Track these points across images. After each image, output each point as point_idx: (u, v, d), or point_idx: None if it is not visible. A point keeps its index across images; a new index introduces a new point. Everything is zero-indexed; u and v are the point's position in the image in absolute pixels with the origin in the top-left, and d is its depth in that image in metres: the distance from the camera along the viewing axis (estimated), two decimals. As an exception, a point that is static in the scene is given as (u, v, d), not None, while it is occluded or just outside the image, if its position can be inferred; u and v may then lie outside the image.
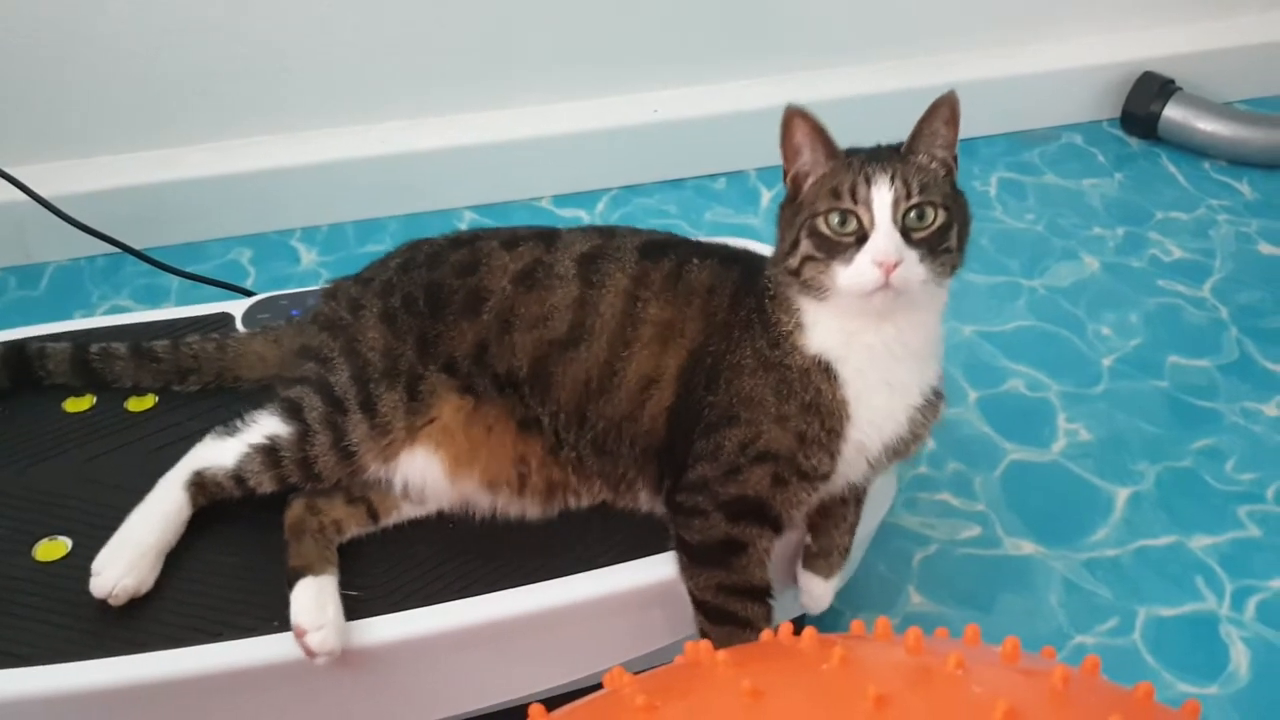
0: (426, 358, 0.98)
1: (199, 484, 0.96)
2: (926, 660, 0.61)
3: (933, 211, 0.87)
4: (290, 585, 0.90)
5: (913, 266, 0.86)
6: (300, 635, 0.88)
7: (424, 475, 0.97)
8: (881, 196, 0.86)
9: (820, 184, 0.89)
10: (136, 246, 1.47)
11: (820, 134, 0.90)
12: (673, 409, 0.95)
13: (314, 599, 0.90)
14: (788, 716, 0.57)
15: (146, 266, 1.48)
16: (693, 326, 0.96)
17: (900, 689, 0.57)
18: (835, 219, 0.87)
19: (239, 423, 0.98)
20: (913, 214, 0.87)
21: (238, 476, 0.96)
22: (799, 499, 0.93)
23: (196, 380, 1.09)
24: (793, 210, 0.91)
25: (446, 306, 0.99)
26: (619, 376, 0.96)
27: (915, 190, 0.86)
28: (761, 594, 0.93)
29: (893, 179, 0.86)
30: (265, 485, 0.97)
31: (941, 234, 0.88)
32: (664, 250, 1.00)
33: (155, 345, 1.09)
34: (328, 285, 1.08)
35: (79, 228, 1.42)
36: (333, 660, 0.88)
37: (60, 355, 1.09)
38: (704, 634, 0.93)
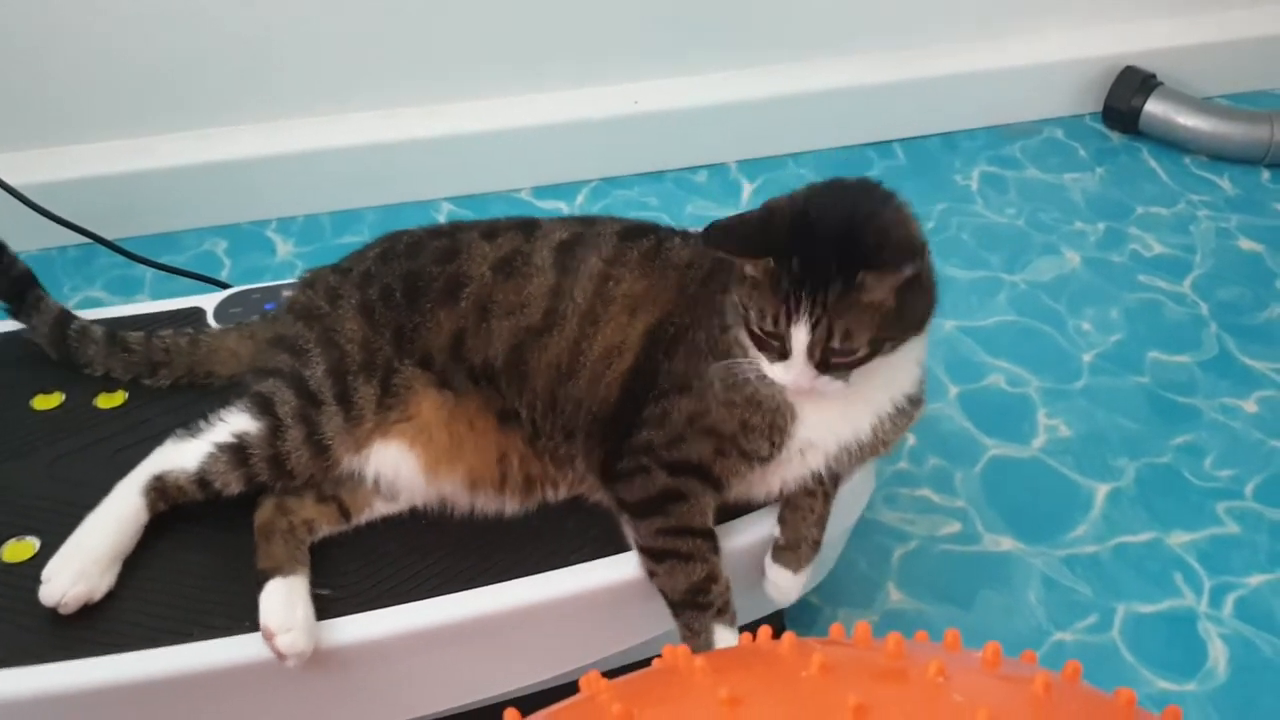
0: (402, 351, 0.97)
1: (159, 489, 0.94)
2: (907, 667, 0.60)
3: (858, 348, 0.85)
4: (259, 586, 0.89)
5: (832, 383, 0.86)
6: (269, 638, 0.86)
7: (397, 470, 0.96)
8: (800, 336, 0.84)
9: (756, 285, 0.86)
10: (109, 237, 1.45)
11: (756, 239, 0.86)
12: (630, 372, 0.95)
13: (283, 600, 0.88)
14: (766, 725, 0.56)
15: (119, 258, 1.47)
16: (665, 296, 0.97)
17: (880, 697, 0.56)
18: (762, 326, 0.86)
19: (202, 424, 0.96)
20: (834, 352, 0.85)
21: (201, 479, 0.94)
22: (739, 470, 0.94)
23: (167, 374, 1.08)
24: (738, 275, 0.89)
25: (424, 296, 0.98)
26: (585, 355, 0.96)
27: (838, 337, 0.84)
28: (702, 533, 0.93)
29: (815, 324, 0.83)
30: (232, 486, 0.95)
31: (869, 357, 0.86)
32: (644, 232, 1.01)
33: (129, 335, 1.08)
34: (305, 275, 1.07)
35: (50, 218, 1.40)
36: (303, 662, 0.87)
37: (49, 313, 1.09)
38: (651, 574, 0.94)
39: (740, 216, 0.88)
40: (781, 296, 0.84)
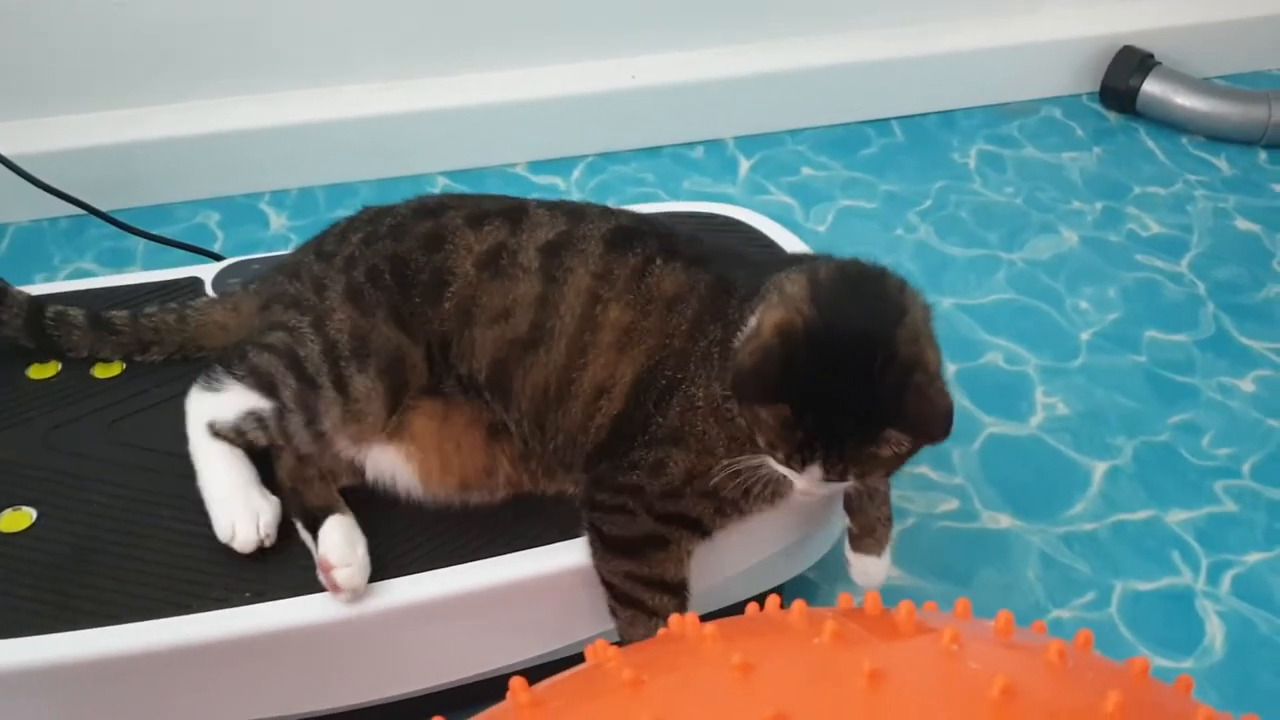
0: (407, 334, 0.94)
1: (218, 434, 0.95)
2: (920, 635, 0.60)
3: (873, 480, 0.86)
4: (316, 523, 0.90)
5: (844, 486, 0.86)
6: (327, 570, 0.87)
7: (394, 477, 0.95)
8: (814, 471, 0.83)
9: (770, 426, 0.82)
10: (101, 208, 1.43)
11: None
12: (619, 417, 0.92)
13: (344, 536, 0.89)
14: (780, 691, 0.55)
15: (111, 229, 1.45)
16: (650, 340, 0.91)
17: (895, 664, 0.55)
18: (774, 457, 0.84)
19: (217, 377, 0.96)
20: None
21: (238, 430, 0.95)
22: (734, 523, 0.92)
23: (159, 351, 1.06)
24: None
25: (413, 286, 0.94)
26: (576, 385, 0.92)
27: (853, 475, 0.83)
28: (674, 588, 0.91)
29: (830, 467, 0.82)
30: (260, 441, 0.95)
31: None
32: (631, 242, 0.94)
33: (114, 316, 1.05)
34: (285, 260, 1.04)
35: (42, 188, 1.38)
36: (356, 598, 0.88)
37: (17, 308, 1.04)
38: (612, 612, 0.92)
39: (761, 357, 0.80)
40: (796, 444, 0.81)
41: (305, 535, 0.92)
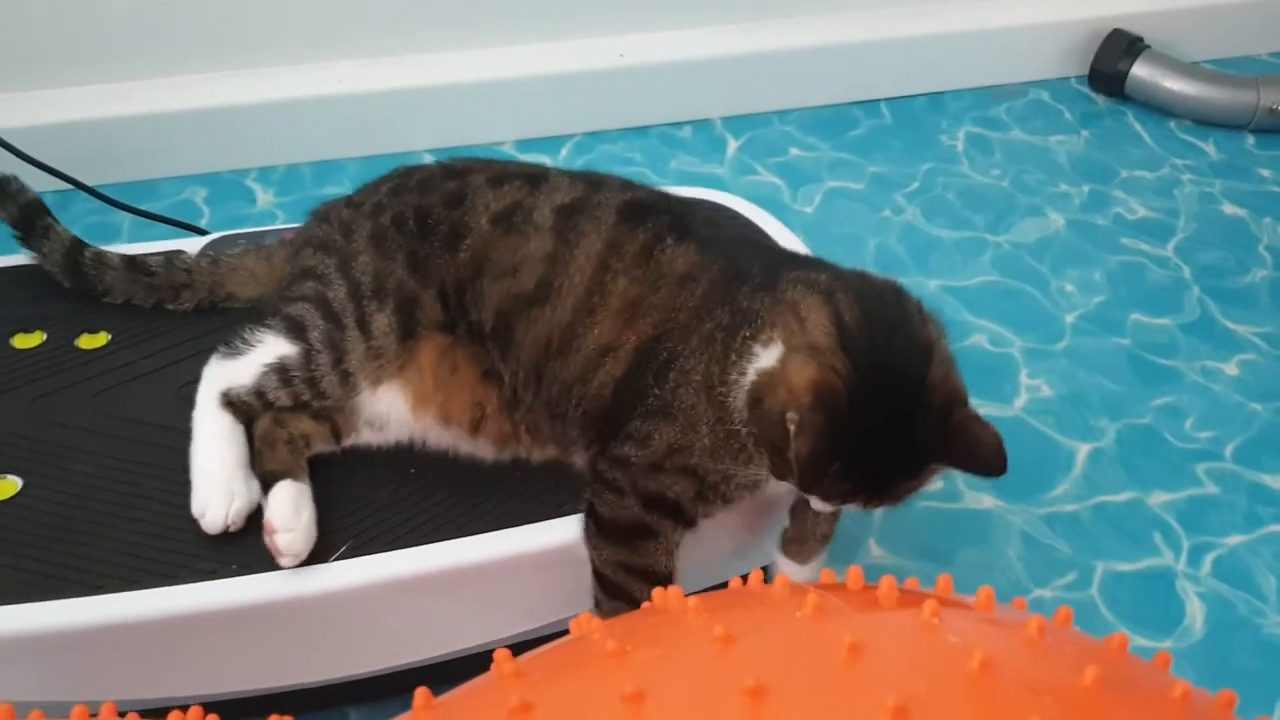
0: (420, 279, 0.96)
1: (231, 403, 0.95)
2: (901, 609, 0.60)
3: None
4: (267, 487, 0.91)
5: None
6: (270, 533, 0.88)
7: (390, 408, 0.96)
8: (851, 506, 0.85)
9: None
10: (87, 183, 1.42)
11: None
12: (621, 380, 0.92)
13: (291, 501, 0.90)
14: (761, 662, 0.56)
15: (97, 203, 1.44)
16: (656, 314, 0.92)
17: (876, 637, 0.56)
18: (805, 495, 0.86)
19: (239, 343, 0.97)
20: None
21: (258, 392, 0.96)
22: (715, 511, 0.92)
23: (190, 296, 1.08)
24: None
25: (433, 234, 0.97)
26: (579, 341, 0.93)
27: (888, 505, 0.85)
28: (663, 580, 0.90)
29: (869, 505, 0.84)
30: (283, 400, 0.96)
31: None
32: (645, 215, 0.95)
33: (149, 258, 1.08)
34: (318, 208, 1.07)
35: (28, 161, 1.37)
36: (296, 563, 0.88)
37: (59, 241, 1.09)
38: (596, 603, 0.92)
39: (814, 441, 0.78)
40: (842, 493, 0.83)
41: (262, 499, 0.92)
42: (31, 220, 1.10)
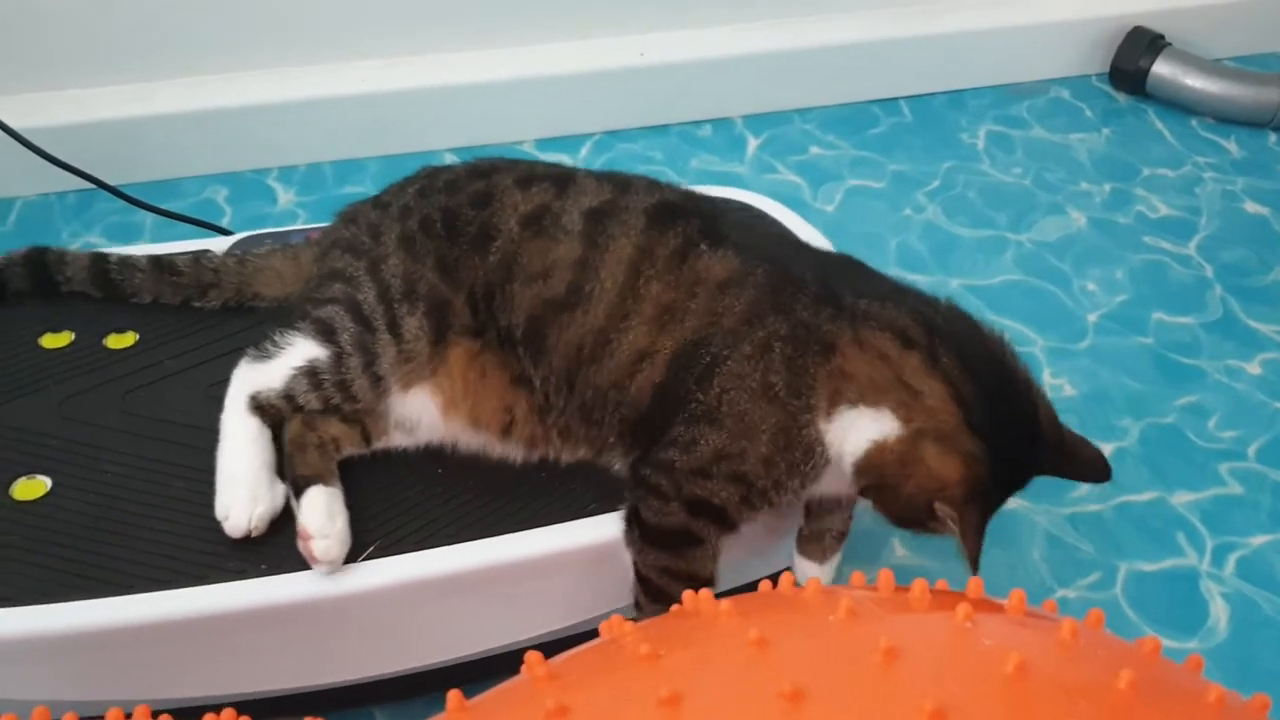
0: (450, 283, 0.96)
1: (259, 406, 0.95)
2: (934, 612, 0.60)
3: None
4: (299, 492, 0.91)
5: None
6: (305, 539, 0.87)
7: (420, 412, 0.96)
8: None
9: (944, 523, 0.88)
10: (109, 182, 1.43)
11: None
12: (660, 386, 0.91)
13: (325, 507, 0.90)
14: (797, 666, 0.56)
15: (119, 203, 1.45)
16: (693, 319, 0.90)
17: (910, 641, 0.56)
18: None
19: (269, 345, 0.97)
20: None
21: (287, 395, 0.95)
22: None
23: (217, 295, 1.08)
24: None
25: (462, 236, 0.97)
26: (613, 346, 0.92)
27: None
28: (705, 584, 0.90)
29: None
30: (312, 404, 0.96)
31: None
32: (674, 219, 0.94)
33: (176, 258, 1.08)
34: (345, 210, 1.07)
35: (51, 161, 1.38)
36: (333, 570, 0.88)
37: (79, 262, 1.08)
38: (637, 604, 0.92)
39: (980, 515, 0.85)
40: (974, 543, 0.85)
41: (294, 503, 0.92)
42: (42, 272, 1.08)
